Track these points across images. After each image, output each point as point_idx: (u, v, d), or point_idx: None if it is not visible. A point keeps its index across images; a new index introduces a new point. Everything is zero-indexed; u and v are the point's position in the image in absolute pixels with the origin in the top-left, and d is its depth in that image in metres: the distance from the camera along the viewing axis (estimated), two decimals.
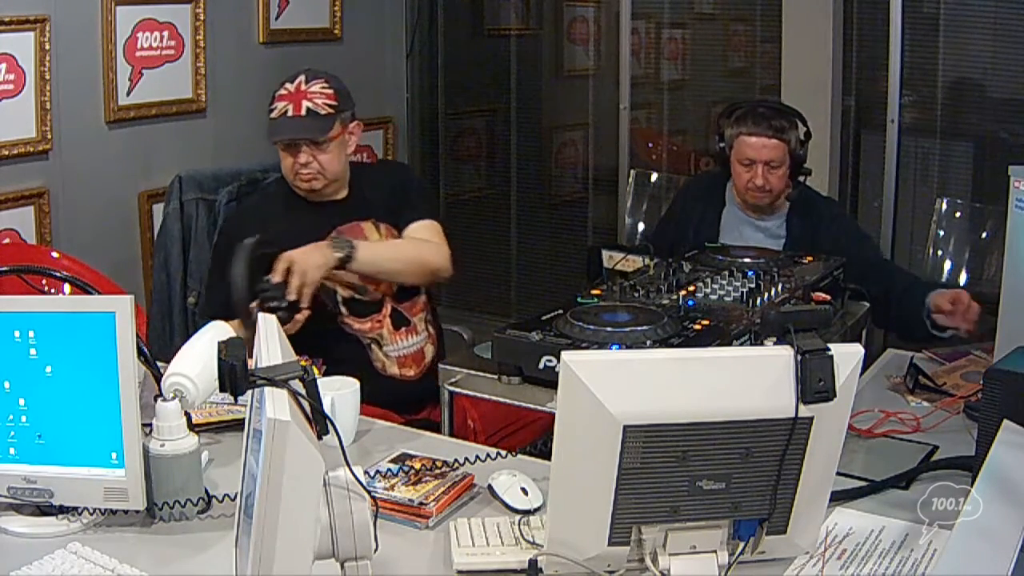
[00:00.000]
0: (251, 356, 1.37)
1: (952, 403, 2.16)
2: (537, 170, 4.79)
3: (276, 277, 2.29)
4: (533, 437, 2.49)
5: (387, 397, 2.39)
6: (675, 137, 4.51)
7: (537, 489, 1.73)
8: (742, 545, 1.47)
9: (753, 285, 2.34)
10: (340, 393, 1.98)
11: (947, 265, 3.60)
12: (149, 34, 3.59)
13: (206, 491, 1.73)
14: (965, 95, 3.77)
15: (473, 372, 2.25)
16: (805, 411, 1.38)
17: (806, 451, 1.42)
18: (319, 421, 1.30)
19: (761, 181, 2.76)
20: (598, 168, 4.61)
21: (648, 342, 2.00)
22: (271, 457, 1.17)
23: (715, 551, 1.45)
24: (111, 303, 1.60)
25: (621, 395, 1.35)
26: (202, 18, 3.73)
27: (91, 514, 1.66)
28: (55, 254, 3.09)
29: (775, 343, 1.43)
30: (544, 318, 2.14)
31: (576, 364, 1.36)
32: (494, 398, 2.20)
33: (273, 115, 2.49)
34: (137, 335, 1.62)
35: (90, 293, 2.03)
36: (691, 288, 2.33)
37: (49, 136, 3.32)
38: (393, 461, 1.84)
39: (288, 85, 2.50)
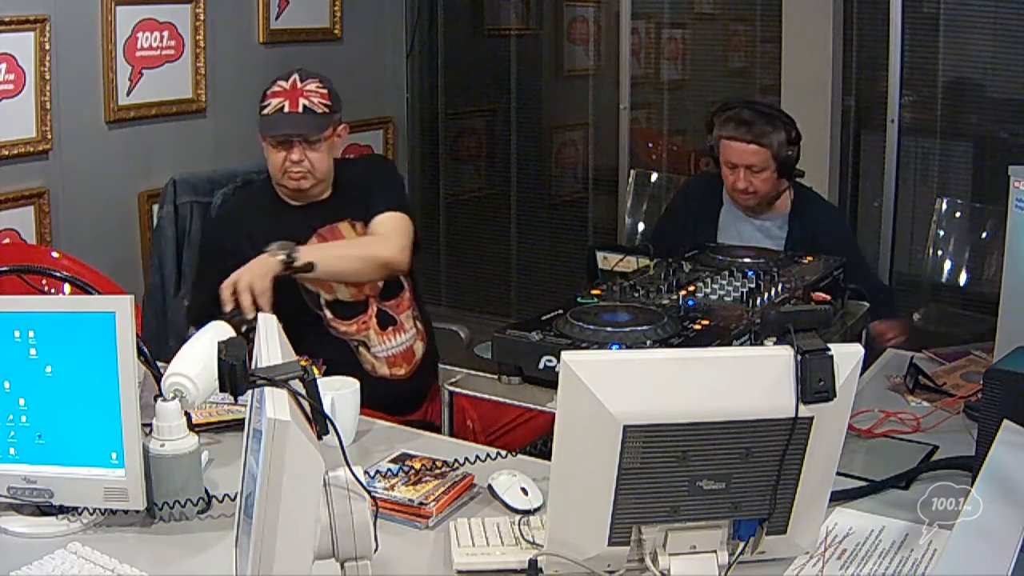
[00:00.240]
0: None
1: (952, 403, 2.16)
2: (537, 170, 4.79)
3: (227, 305, 2.23)
4: (533, 437, 2.48)
5: (380, 399, 2.32)
6: (675, 137, 4.51)
7: (537, 489, 1.73)
8: (742, 545, 1.47)
9: (753, 285, 2.34)
10: (340, 393, 1.98)
11: (947, 265, 3.61)
12: (149, 34, 3.59)
13: (206, 491, 1.73)
14: (965, 95, 3.77)
15: (473, 372, 2.25)
16: (805, 411, 1.38)
17: (806, 451, 1.42)
18: (319, 421, 1.30)
19: (743, 184, 2.78)
20: (598, 168, 4.61)
21: (648, 342, 2.00)
22: (271, 457, 1.17)
23: (715, 551, 1.45)
24: (111, 303, 1.60)
25: (621, 395, 1.35)
26: (202, 18, 3.73)
27: (91, 514, 1.66)
28: (55, 254, 3.09)
29: (775, 343, 1.43)
30: (544, 318, 2.13)
31: (576, 364, 1.36)
32: (494, 398, 2.19)
33: (267, 111, 2.46)
34: (137, 335, 1.62)
35: (90, 293, 2.03)
36: (691, 288, 2.33)
37: (49, 136, 3.32)
38: (393, 461, 1.84)
39: (282, 82, 2.48)
